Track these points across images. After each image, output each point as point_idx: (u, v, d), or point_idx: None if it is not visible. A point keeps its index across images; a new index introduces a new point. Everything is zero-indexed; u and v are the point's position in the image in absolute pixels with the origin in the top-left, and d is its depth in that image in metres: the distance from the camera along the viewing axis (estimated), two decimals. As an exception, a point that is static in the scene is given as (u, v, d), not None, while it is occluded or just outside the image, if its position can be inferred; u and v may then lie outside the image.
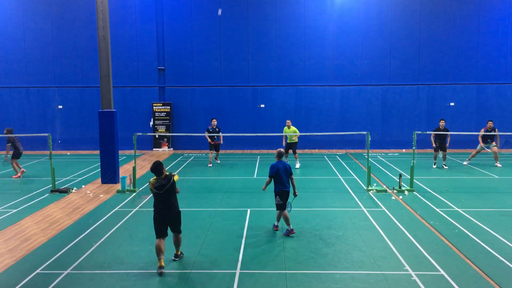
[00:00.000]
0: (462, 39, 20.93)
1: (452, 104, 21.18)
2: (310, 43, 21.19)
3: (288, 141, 16.87)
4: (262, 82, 21.47)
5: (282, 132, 17.12)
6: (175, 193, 7.57)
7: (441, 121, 16.22)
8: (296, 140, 16.88)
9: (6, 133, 15.11)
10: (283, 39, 21.24)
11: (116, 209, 11.12)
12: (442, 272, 7.15)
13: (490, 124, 16.28)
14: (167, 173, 7.56)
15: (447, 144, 16.35)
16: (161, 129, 21.53)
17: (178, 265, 7.57)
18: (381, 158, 18.75)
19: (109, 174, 13.99)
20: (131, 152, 19.85)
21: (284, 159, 17.08)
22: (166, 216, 7.41)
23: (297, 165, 16.66)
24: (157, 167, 7.44)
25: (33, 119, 21.76)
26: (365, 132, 13.57)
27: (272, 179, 9.11)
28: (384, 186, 13.24)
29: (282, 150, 9.39)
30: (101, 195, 12.57)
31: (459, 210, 10.73)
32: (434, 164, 16.47)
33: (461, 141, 20.98)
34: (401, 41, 21.05)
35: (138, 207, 11.13)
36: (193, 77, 21.62)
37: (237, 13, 21.24)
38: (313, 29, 21.15)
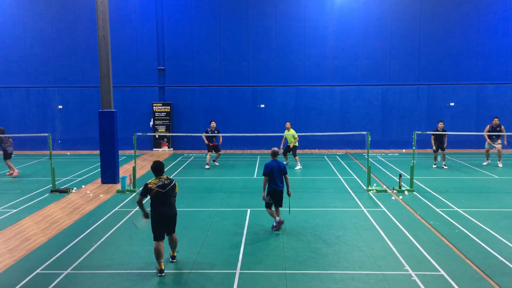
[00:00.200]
0: (462, 39, 20.94)
1: (452, 104, 21.18)
2: (310, 43, 21.19)
3: (288, 143, 16.83)
4: (262, 82, 21.48)
5: (283, 134, 17.06)
6: (175, 195, 7.54)
7: (440, 122, 16.22)
8: (296, 144, 16.75)
9: None
10: (283, 39, 21.25)
11: (116, 209, 11.12)
12: (442, 272, 7.15)
13: (495, 121, 16.16)
14: (169, 177, 7.54)
15: (445, 145, 16.35)
16: (161, 129, 21.54)
17: (178, 265, 7.57)
18: (381, 158, 18.75)
19: (109, 174, 13.99)
20: (131, 152, 19.85)
21: (284, 162, 17.19)
22: (167, 216, 7.33)
23: (298, 167, 16.62)
24: (158, 166, 7.43)
25: (33, 119, 21.77)
26: (365, 132, 13.57)
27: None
28: (384, 186, 13.24)
29: (276, 149, 9.49)
30: (101, 195, 12.57)
31: (459, 210, 10.74)
32: (434, 165, 16.47)
33: (461, 141, 20.98)
34: (401, 41, 21.05)
35: (138, 207, 11.11)
36: (193, 77, 21.63)
37: (237, 13, 21.24)
38: (313, 29, 21.15)
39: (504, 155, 18.39)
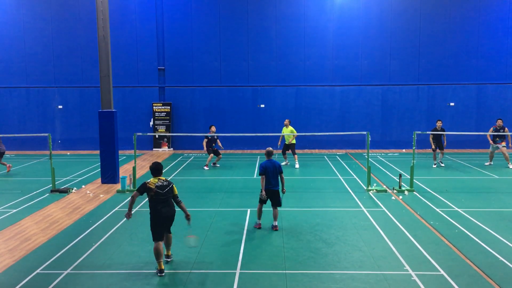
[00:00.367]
0: (462, 39, 20.94)
1: (452, 104, 21.18)
2: (310, 43, 21.19)
3: (285, 142, 16.86)
4: (262, 82, 21.48)
5: (281, 132, 17.10)
6: (175, 199, 7.54)
7: (438, 121, 16.22)
8: (294, 142, 16.82)
9: None
10: (283, 39, 21.25)
11: (116, 209, 11.12)
12: (442, 272, 7.15)
13: (499, 122, 16.09)
14: (167, 179, 7.56)
15: (445, 144, 16.34)
16: (161, 129, 21.54)
17: (178, 265, 7.57)
18: (381, 158, 18.75)
19: (109, 174, 13.99)
20: (131, 152, 19.85)
21: (284, 163, 17.25)
22: (168, 217, 7.35)
23: (297, 165, 16.68)
24: (157, 167, 7.50)
25: (33, 119, 21.77)
26: (365, 132, 13.57)
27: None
28: (384, 186, 13.24)
29: (270, 148, 9.55)
30: (101, 195, 12.57)
31: (459, 210, 10.74)
32: (434, 165, 16.47)
33: (461, 141, 20.98)
34: (401, 41, 21.05)
35: (138, 207, 11.13)
36: (193, 77, 21.63)
37: (237, 13, 21.24)
38: (313, 29, 21.15)
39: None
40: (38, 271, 7.36)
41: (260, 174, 9.24)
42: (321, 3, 21.06)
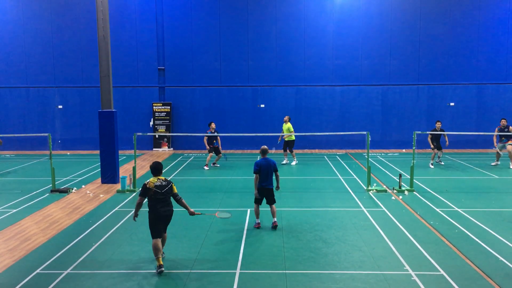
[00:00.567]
0: (462, 39, 20.94)
1: (452, 104, 21.18)
2: (310, 43, 21.19)
3: (284, 139, 17.08)
4: (262, 82, 21.48)
5: (282, 131, 17.32)
6: (174, 197, 7.59)
7: (437, 122, 16.22)
8: (293, 138, 17.03)
9: None
10: (283, 39, 21.25)
11: (116, 209, 11.13)
12: (442, 272, 7.15)
13: (503, 122, 16.05)
14: (167, 179, 7.64)
15: (447, 143, 16.34)
16: (161, 129, 21.54)
17: (178, 265, 7.57)
18: (381, 158, 18.75)
19: (109, 174, 13.99)
20: (131, 152, 19.84)
21: (284, 161, 17.36)
22: (166, 215, 7.42)
23: (294, 162, 16.89)
24: (157, 166, 7.60)
25: (33, 119, 21.76)
26: (365, 132, 13.57)
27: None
28: (384, 186, 13.24)
29: (265, 147, 9.67)
30: (101, 195, 12.57)
31: (459, 210, 10.74)
32: (431, 164, 16.48)
33: (461, 141, 20.98)
34: (401, 41, 21.05)
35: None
36: (193, 77, 21.63)
37: (237, 13, 21.24)
38: (313, 29, 21.15)
39: (505, 155, 18.31)
40: (38, 271, 7.36)
41: (254, 172, 9.33)
42: (321, 3, 21.06)
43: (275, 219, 9.42)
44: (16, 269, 7.43)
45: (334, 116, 21.43)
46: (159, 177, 7.52)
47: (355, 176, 14.92)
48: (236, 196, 12.42)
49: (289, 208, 10.98)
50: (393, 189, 12.82)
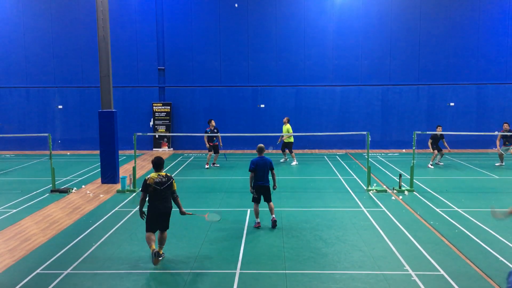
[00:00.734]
0: (462, 39, 20.94)
1: (452, 104, 21.18)
2: (310, 43, 21.19)
3: (284, 140, 17.17)
4: (262, 82, 21.47)
5: (282, 131, 17.43)
6: (171, 194, 7.65)
7: (438, 127, 16.24)
8: (291, 140, 17.14)
9: None
10: (283, 39, 21.25)
11: (116, 209, 11.12)
12: (442, 272, 7.15)
13: (505, 126, 16.07)
14: (168, 174, 7.71)
15: (448, 150, 16.41)
16: (161, 129, 21.54)
17: (178, 265, 7.57)
18: (381, 158, 18.75)
19: (109, 174, 13.99)
20: (131, 152, 19.84)
21: (283, 159, 17.47)
22: (163, 213, 7.53)
23: (294, 163, 16.95)
24: (159, 161, 7.70)
25: (33, 119, 21.76)
26: (365, 132, 13.57)
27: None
28: (384, 186, 13.24)
29: (262, 145, 9.79)
30: (101, 195, 12.57)
31: (459, 210, 10.74)
32: (430, 165, 16.49)
33: (461, 141, 20.97)
34: (401, 41, 21.05)
35: (138, 207, 11.11)
36: (193, 77, 21.63)
37: (237, 13, 21.23)
38: (313, 29, 21.15)
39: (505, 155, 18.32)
40: (38, 271, 7.35)
41: (250, 170, 9.43)
42: (321, 3, 21.06)
43: (274, 216, 9.51)
44: (16, 269, 7.43)
45: (334, 116, 21.43)
46: (160, 173, 7.61)
47: (355, 176, 14.92)
48: (236, 196, 12.42)
49: (289, 208, 10.98)
50: (393, 189, 12.82)
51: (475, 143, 21.04)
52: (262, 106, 21.56)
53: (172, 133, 21.14)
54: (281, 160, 17.58)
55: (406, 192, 12.49)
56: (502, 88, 21.06)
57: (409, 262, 7.55)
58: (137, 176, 14.62)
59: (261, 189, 9.43)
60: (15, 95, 21.75)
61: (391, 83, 21.26)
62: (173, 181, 7.64)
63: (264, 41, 21.31)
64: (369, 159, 13.44)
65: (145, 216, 7.63)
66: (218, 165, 17.09)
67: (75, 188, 13.35)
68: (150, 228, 7.55)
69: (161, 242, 7.73)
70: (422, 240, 8.60)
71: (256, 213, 9.51)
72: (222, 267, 7.47)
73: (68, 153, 20.96)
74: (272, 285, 6.80)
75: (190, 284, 6.84)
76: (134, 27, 21.41)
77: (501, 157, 16.56)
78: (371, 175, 13.77)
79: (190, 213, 8.04)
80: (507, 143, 16.23)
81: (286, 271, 7.24)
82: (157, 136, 21.62)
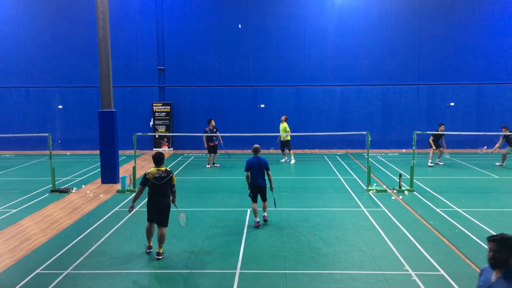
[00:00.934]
0: (462, 39, 20.93)
1: (452, 104, 21.18)
2: (310, 43, 21.19)
3: (281, 139, 17.27)
4: (262, 82, 21.47)
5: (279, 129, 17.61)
6: (170, 188, 7.82)
7: (441, 125, 16.23)
8: (288, 138, 17.22)
9: None
10: (283, 39, 21.24)
11: (116, 209, 11.12)
12: (442, 272, 7.15)
13: (505, 131, 16.14)
14: (168, 169, 7.88)
15: (444, 147, 16.45)
16: (161, 129, 21.53)
17: (178, 265, 7.57)
18: (381, 158, 18.75)
19: (109, 174, 13.99)
20: (131, 152, 19.84)
21: (283, 159, 17.50)
22: (161, 207, 7.69)
23: (292, 161, 17.04)
24: (159, 157, 7.87)
25: (33, 119, 21.76)
26: (365, 132, 13.57)
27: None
28: (384, 186, 13.24)
29: (257, 145, 9.84)
30: (101, 195, 12.57)
31: (459, 210, 10.73)
32: (430, 163, 16.51)
33: (461, 141, 20.97)
34: (401, 41, 21.04)
35: (138, 207, 11.12)
36: (193, 77, 21.62)
37: (237, 13, 21.24)
38: (313, 29, 21.15)
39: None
40: (38, 271, 7.36)
41: (245, 170, 9.57)
42: (321, 3, 21.06)
43: (265, 214, 9.68)
44: (16, 269, 7.43)
45: (334, 116, 21.42)
46: (159, 168, 7.77)
47: (355, 176, 14.91)
48: (236, 196, 12.43)
49: (289, 208, 10.99)
50: (393, 189, 12.82)
51: (475, 143, 20.99)
52: (262, 106, 21.56)
53: (172, 133, 21.14)
54: (282, 160, 17.60)
55: (406, 192, 12.49)
56: (502, 88, 21.05)
57: (409, 262, 7.55)
58: (137, 176, 14.61)
59: (257, 189, 9.55)
60: (15, 95, 21.75)
61: (391, 83, 21.26)
62: (173, 175, 7.84)
63: (264, 41, 21.30)
64: (369, 159, 13.45)
65: (132, 210, 7.89)
66: (218, 165, 17.09)
67: (75, 188, 13.35)
68: (149, 218, 7.86)
69: (160, 240, 7.75)
70: (422, 240, 8.61)
71: (255, 213, 9.55)
72: (222, 266, 7.47)
73: (68, 153, 20.96)
74: (272, 285, 6.80)
75: (190, 284, 6.84)
76: (134, 27, 21.41)
77: (504, 157, 16.59)
78: (371, 175, 13.77)
79: (176, 206, 8.21)
80: (510, 146, 16.27)
81: (286, 271, 7.24)
82: (157, 136, 21.62)
